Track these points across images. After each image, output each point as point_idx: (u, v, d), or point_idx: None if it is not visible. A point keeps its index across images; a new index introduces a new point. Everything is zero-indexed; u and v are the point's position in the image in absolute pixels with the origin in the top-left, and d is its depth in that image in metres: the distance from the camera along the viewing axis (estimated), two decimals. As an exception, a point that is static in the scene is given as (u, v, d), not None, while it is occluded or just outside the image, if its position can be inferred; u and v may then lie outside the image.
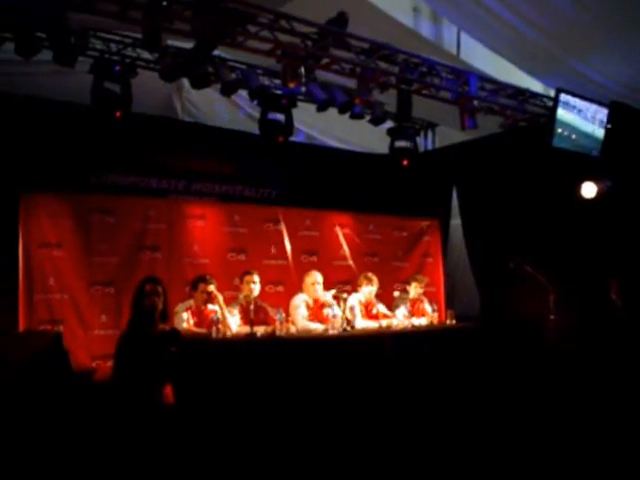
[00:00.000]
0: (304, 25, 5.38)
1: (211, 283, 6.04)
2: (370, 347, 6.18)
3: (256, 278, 6.39)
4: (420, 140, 8.67)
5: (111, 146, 6.92)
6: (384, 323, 6.86)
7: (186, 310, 5.98)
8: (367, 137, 8.40)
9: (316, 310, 6.68)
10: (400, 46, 5.97)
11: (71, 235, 6.41)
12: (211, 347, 5.48)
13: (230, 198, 7.86)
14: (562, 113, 6.81)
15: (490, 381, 6.45)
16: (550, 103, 6.95)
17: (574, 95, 6.82)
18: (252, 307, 6.01)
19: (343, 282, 7.92)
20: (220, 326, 5.58)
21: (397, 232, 8.91)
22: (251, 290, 6.32)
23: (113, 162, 7.02)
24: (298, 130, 7.73)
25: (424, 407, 5.89)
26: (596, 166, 7.38)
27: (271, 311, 6.40)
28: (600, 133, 7.15)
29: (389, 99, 6.57)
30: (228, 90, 6.17)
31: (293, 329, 6.28)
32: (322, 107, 6.40)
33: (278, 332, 5.83)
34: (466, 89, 6.39)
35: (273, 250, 7.73)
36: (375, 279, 7.14)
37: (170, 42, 5.87)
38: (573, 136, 6.99)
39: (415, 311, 7.34)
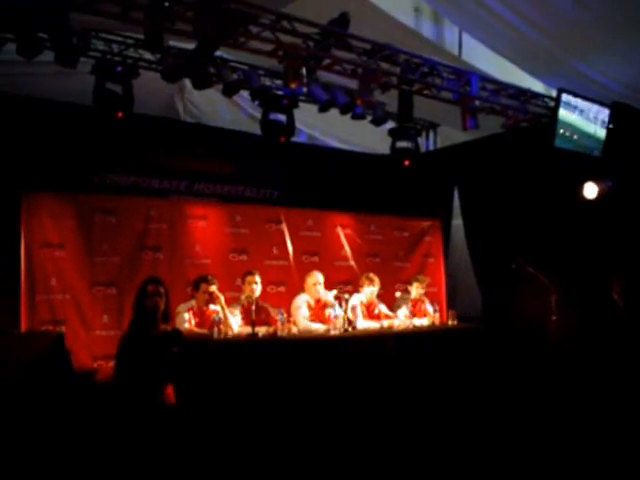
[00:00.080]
0: (306, 26, 5.39)
1: (213, 283, 6.05)
2: (372, 347, 6.19)
3: (258, 278, 6.39)
4: (421, 140, 8.68)
5: (113, 147, 6.93)
6: (385, 323, 6.86)
7: (188, 310, 5.99)
8: (368, 137, 8.40)
9: (318, 310, 6.68)
10: (402, 46, 5.97)
11: (73, 235, 6.42)
12: (213, 347, 5.49)
13: (232, 198, 7.87)
14: (564, 113, 6.80)
15: (492, 381, 6.45)
16: (552, 103, 6.95)
17: (576, 95, 6.81)
18: (254, 307, 6.01)
19: (344, 282, 7.92)
20: (222, 326, 5.58)
21: (398, 232, 8.92)
22: (253, 290, 6.33)
23: (115, 162, 7.02)
24: (300, 131, 7.74)
25: (426, 407, 5.89)
26: (598, 166, 7.37)
27: (273, 311, 6.41)
28: (602, 133, 7.15)
29: (390, 99, 6.57)
30: (230, 91, 6.17)
31: (295, 329, 6.27)
32: (324, 108, 6.40)
33: (280, 332, 5.83)
34: (467, 89, 6.39)
35: (275, 250, 7.74)
36: (377, 279, 7.14)
37: (172, 43, 5.88)
38: (575, 136, 6.99)
39: (417, 311, 7.33)
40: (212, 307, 6.07)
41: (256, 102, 6.80)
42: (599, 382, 6.15)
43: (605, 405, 5.81)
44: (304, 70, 5.72)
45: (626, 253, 7.12)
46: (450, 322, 7.23)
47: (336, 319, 6.21)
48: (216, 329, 5.50)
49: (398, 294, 7.60)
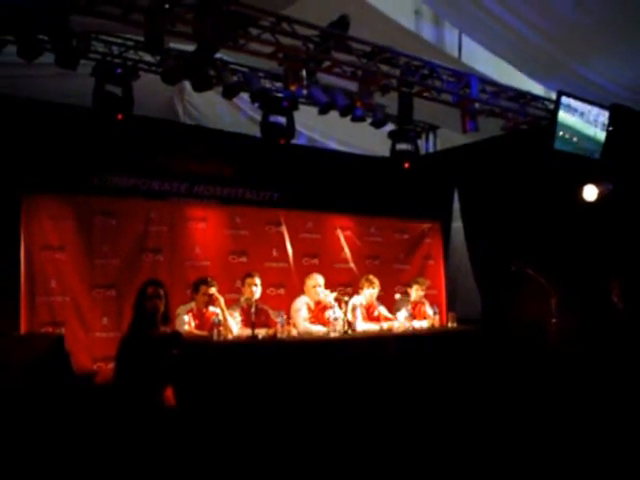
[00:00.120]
0: (306, 28, 5.39)
1: (212, 285, 6.05)
2: (371, 350, 6.19)
3: (257, 280, 6.39)
4: (421, 143, 8.67)
5: (113, 149, 6.92)
6: (385, 326, 6.86)
7: (187, 312, 5.98)
8: (368, 140, 8.40)
9: (317, 313, 6.68)
10: (401, 49, 5.98)
11: (73, 237, 6.43)
12: (212, 349, 5.49)
13: (231, 200, 7.85)
14: (563, 116, 6.80)
15: (491, 384, 6.45)
16: (551, 106, 6.95)
17: (575, 98, 6.81)
18: (253, 309, 6.02)
19: (344, 285, 7.92)
20: (221, 328, 5.59)
21: (398, 235, 8.92)
22: (252, 292, 6.32)
23: (115, 164, 7.02)
24: (299, 133, 7.74)
25: (426, 410, 5.89)
26: (597, 169, 7.38)
27: (272, 314, 6.41)
28: (602, 136, 7.14)
29: (390, 102, 6.58)
30: (230, 93, 6.17)
31: (294, 332, 6.28)
32: (323, 110, 6.40)
33: (279, 335, 5.84)
34: (467, 92, 6.39)
35: (274, 252, 7.75)
36: (376, 282, 7.14)
37: (172, 45, 5.87)
38: (574, 139, 6.99)
39: (416, 314, 7.34)
40: (212, 309, 6.06)
41: (256, 104, 6.80)
42: (599, 385, 6.15)
43: (605, 407, 5.80)
44: (304, 72, 5.72)
45: (626, 255, 7.11)
46: (450, 324, 7.24)
47: (336, 321, 6.22)
48: (216, 331, 5.50)
49: (398, 296, 7.60)
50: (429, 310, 7.43)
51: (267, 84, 6.81)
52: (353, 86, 6.19)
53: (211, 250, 7.27)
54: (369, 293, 7.10)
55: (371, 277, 7.19)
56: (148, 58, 6.15)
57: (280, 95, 6.70)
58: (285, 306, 6.70)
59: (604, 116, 7.09)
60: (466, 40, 6.74)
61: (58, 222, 6.35)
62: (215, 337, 5.49)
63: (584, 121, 6.98)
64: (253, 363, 5.43)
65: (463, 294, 9.36)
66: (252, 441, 4.93)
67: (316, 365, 5.74)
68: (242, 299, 6.41)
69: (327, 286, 6.81)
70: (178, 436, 4.56)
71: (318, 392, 5.61)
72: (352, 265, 8.38)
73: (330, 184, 8.40)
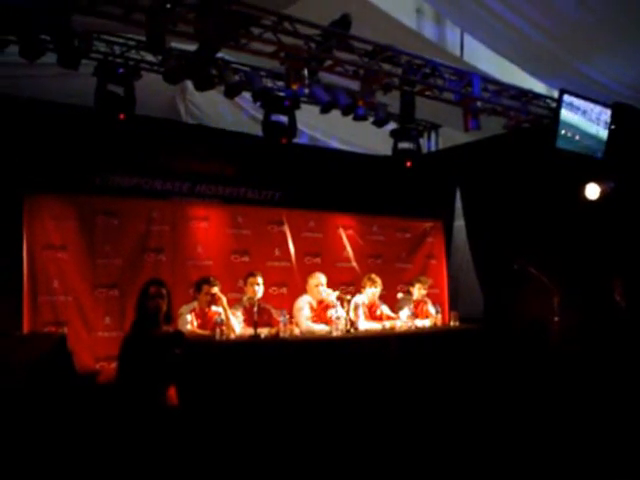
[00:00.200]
0: (307, 27, 5.39)
1: (215, 285, 6.05)
2: (374, 349, 6.19)
3: (260, 280, 6.39)
4: (423, 141, 8.67)
5: (115, 148, 6.92)
6: (388, 325, 6.86)
7: (190, 312, 5.99)
8: (370, 139, 8.39)
9: (320, 312, 6.68)
10: (403, 47, 5.97)
11: (75, 237, 6.44)
12: (215, 349, 5.50)
13: (233, 200, 7.85)
14: (566, 114, 6.79)
15: (494, 382, 6.45)
16: (553, 104, 6.94)
17: (578, 96, 6.80)
18: (256, 309, 6.01)
19: (347, 283, 7.92)
20: (224, 328, 5.59)
21: (400, 233, 8.92)
22: (255, 292, 6.33)
23: (117, 164, 7.02)
24: (301, 132, 7.74)
25: (428, 408, 5.89)
26: (599, 167, 7.37)
27: (275, 313, 6.41)
28: (604, 134, 7.13)
29: (392, 101, 6.57)
30: (231, 92, 6.17)
31: (297, 331, 6.28)
32: (325, 109, 6.39)
33: (282, 334, 5.84)
34: (469, 90, 6.39)
35: (277, 252, 7.75)
36: (379, 281, 7.14)
37: (174, 44, 5.87)
38: (577, 137, 6.98)
39: (419, 312, 7.34)
40: (214, 308, 6.07)
41: (258, 103, 6.80)
42: (601, 383, 6.15)
43: (607, 406, 5.80)
44: (306, 71, 5.71)
45: (628, 254, 7.11)
46: (452, 323, 7.23)
47: (338, 320, 6.21)
48: (218, 330, 5.51)
49: (400, 295, 7.61)
50: (431, 309, 7.43)
51: (269, 83, 6.82)
52: (355, 85, 6.19)
53: (213, 249, 7.27)
54: (371, 292, 7.10)
55: (373, 276, 7.19)
56: (150, 58, 6.16)
57: (282, 94, 6.71)
58: (287, 305, 6.69)
59: (606, 114, 7.07)
60: (468, 38, 6.73)
61: (60, 222, 6.36)
62: (217, 336, 5.50)
63: (587, 119, 6.98)
64: (255, 362, 5.43)
65: (465, 293, 9.36)
66: (255, 440, 4.93)
67: (319, 364, 5.74)
68: (244, 298, 6.42)
69: (329, 285, 6.82)
70: (181, 436, 4.56)
71: (321, 391, 5.61)
72: (354, 264, 8.39)
73: (332, 183, 8.40)
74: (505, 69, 6.89)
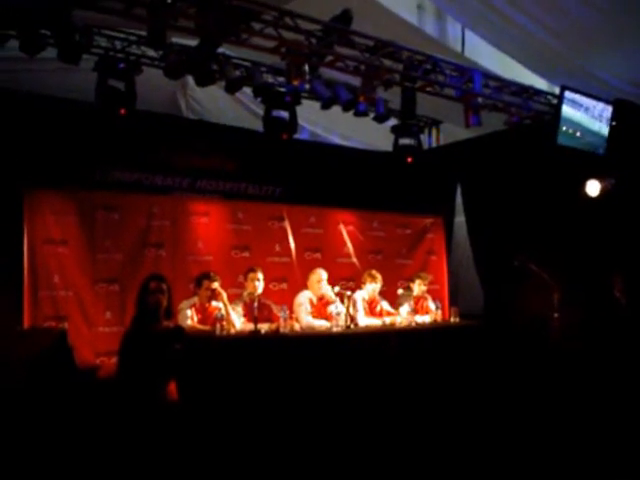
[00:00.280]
0: (308, 22, 5.37)
1: (215, 280, 6.06)
2: (374, 344, 6.20)
3: (260, 275, 6.40)
4: (424, 137, 8.65)
5: (115, 143, 6.91)
6: (388, 321, 6.87)
7: (190, 307, 5.99)
8: (371, 134, 8.39)
9: (320, 307, 6.69)
10: (404, 43, 5.96)
11: (75, 232, 6.44)
12: (215, 344, 5.50)
13: (234, 195, 7.85)
14: (568, 111, 6.78)
15: (494, 379, 6.45)
16: (554, 100, 6.94)
17: (579, 92, 6.79)
18: (256, 304, 6.01)
19: (347, 279, 7.94)
20: (224, 323, 5.60)
21: (401, 229, 8.93)
22: (255, 287, 6.33)
23: (117, 159, 7.01)
24: (302, 127, 7.73)
25: (428, 404, 5.89)
26: (600, 164, 7.36)
27: (275, 308, 6.42)
28: (606, 131, 7.12)
29: (393, 96, 6.56)
30: (232, 87, 6.17)
31: (297, 326, 6.30)
32: (326, 104, 6.39)
33: (282, 329, 5.85)
34: (470, 86, 6.38)
35: (277, 247, 7.76)
36: (379, 276, 7.14)
37: (175, 39, 5.86)
38: (578, 134, 6.97)
39: (419, 309, 7.34)
40: (214, 304, 6.07)
41: (259, 99, 6.80)
42: (601, 380, 6.15)
43: (607, 403, 5.80)
44: (307, 67, 5.70)
45: (628, 250, 7.11)
46: (452, 319, 7.24)
47: (338, 316, 6.22)
48: (218, 326, 5.51)
49: (400, 291, 7.62)
50: (431, 305, 7.43)
51: (270, 79, 6.80)
52: (356, 81, 6.18)
53: (214, 245, 7.28)
54: (371, 288, 7.11)
55: (373, 272, 7.20)
56: (151, 53, 6.15)
57: (283, 90, 6.70)
58: (288, 301, 6.69)
59: (609, 111, 7.06)
60: (469, 34, 6.73)
61: (61, 217, 6.36)
62: (218, 332, 5.50)
63: (589, 116, 6.97)
64: (256, 358, 5.43)
65: (465, 289, 9.37)
66: (255, 436, 4.94)
67: (319, 360, 5.75)
68: (245, 294, 6.42)
69: (329, 281, 6.82)
70: (181, 431, 4.57)
71: (321, 387, 5.61)
72: (355, 260, 8.40)
73: (333, 179, 8.39)
74: (506, 65, 6.88)
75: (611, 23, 5.87)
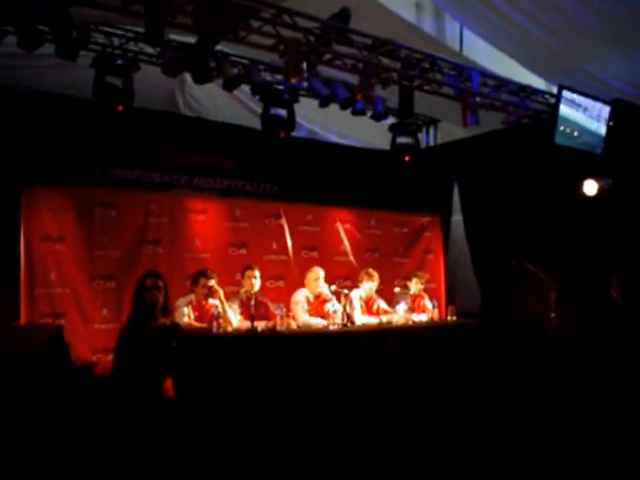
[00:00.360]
0: (307, 20, 5.37)
1: (212, 278, 6.06)
2: (371, 343, 6.20)
3: (257, 273, 6.40)
4: (422, 136, 8.64)
5: (113, 140, 6.90)
6: (384, 319, 6.88)
7: (187, 305, 5.99)
8: (369, 133, 8.38)
9: (317, 305, 6.69)
10: (402, 42, 5.96)
11: (73, 229, 6.44)
12: (212, 342, 5.50)
13: (231, 193, 7.84)
14: (566, 110, 6.79)
15: (490, 378, 6.46)
16: (552, 100, 6.94)
17: (577, 92, 6.80)
18: (253, 302, 6.02)
19: (344, 277, 7.95)
20: (221, 321, 5.60)
21: (398, 228, 8.94)
22: (252, 285, 6.33)
23: (115, 156, 7.00)
24: (300, 125, 7.72)
25: (425, 403, 5.90)
26: (597, 163, 7.37)
27: (272, 306, 6.42)
28: (604, 131, 7.13)
29: (391, 95, 6.56)
30: (230, 85, 6.15)
31: (294, 324, 6.30)
32: (324, 103, 6.38)
33: (279, 327, 5.85)
34: (468, 85, 6.38)
35: (274, 245, 7.77)
36: (376, 275, 7.15)
37: (172, 36, 5.86)
38: (575, 133, 6.98)
39: (416, 307, 7.35)
40: (211, 301, 6.07)
41: (256, 97, 6.79)
42: (598, 379, 6.16)
43: (604, 402, 5.81)
44: (305, 65, 5.69)
45: (625, 250, 7.12)
46: (449, 318, 7.25)
47: (335, 314, 6.22)
48: (215, 323, 5.51)
49: (397, 290, 7.61)
50: (428, 304, 7.45)
51: (268, 76, 6.79)
52: (354, 79, 6.17)
53: (211, 242, 7.28)
54: (368, 286, 7.11)
55: (370, 270, 7.20)
56: (149, 50, 6.13)
57: (281, 87, 6.68)
58: (285, 299, 6.70)
59: (606, 111, 7.07)
60: (467, 33, 6.73)
61: (58, 213, 6.36)
62: (214, 329, 5.50)
63: (587, 116, 6.98)
64: (252, 355, 5.43)
65: (463, 288, 9.37)
66: (251, 433, 4.94)
67: (315, 358, 5.74)
68: (241, 291, 6.42)
69: (326, 279, 6.82)
70: (177, 428, 4.57)
71: (317, 385, 5.62)
72: (352, 258, 8.40)
73: (330, 177, 8.39)
74: (504, 64, 6.88)
75: (608, 23, 5.88)
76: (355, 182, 8.59)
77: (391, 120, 7.41)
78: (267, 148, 7.81)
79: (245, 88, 6.80)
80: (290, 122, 6.79)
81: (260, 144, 7.76)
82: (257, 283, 6.38)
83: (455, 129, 8.30)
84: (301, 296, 6.69)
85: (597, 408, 5.73)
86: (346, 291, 6.69)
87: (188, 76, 6.66)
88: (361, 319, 6.82)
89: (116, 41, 6.04)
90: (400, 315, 6.82)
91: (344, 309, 6.49)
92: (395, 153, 7.67)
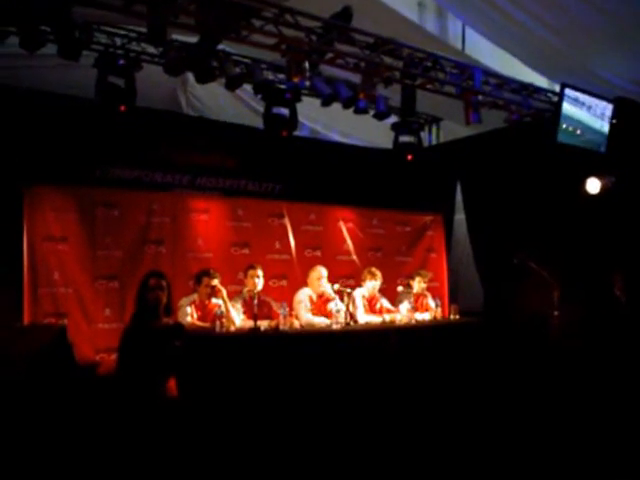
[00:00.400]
0: (309, 19, 5.36)
1: (215, 277, 6.06)
2: (374, 342, 6.20)
3: (260, 272, 6.40)
4: (424, 135, 8.65)
5: (115, 140, 6.90)
6: (387, 318, 6.87)
7: (190, 304, 6.00)
8: (371, 132, 8.39)
9: (320, 305, 6.69)
10: (405, 40, 5.95)
11: (75, 229, 6.45)
12: (215, 341, 5.51)
13: (234, 192, 7.84)
14: (569, 108, 6.77)
15: (493, 376, 6.45)
16: (555, 98, 6.93)
17: (580, 90, 6.78)
18: (256, 301, 6.02)
19: (347, 277, 7.93)
20: (224, 320, 5.60)
21: (401, 227, 8.93)
22: (255, 284, 6.33)
23: (117, 156, 7.00)
24: (302, 124, 7.72)
25: (428, 401, 5.90)
26: (600, 162, 7.36)
27: (275, 305, 6.42)
28: (607, 129, 7.12)
29: (393, 94, 6.56)
30: (232, 84, 6.15)
31: (297, 323, 6.30)
32: (326, 102, 6.38)
33: (282, 326, 5.85)
34: (470, 84, 6.37)
35: (277, 244, 7.76)
36: (379, 274, 7.14)
37: (175, 36, 5.86)
38: (578, 131, 6.96)
39: (419, 306, 7.35)
40: (214, 301, 6.08)
41: (259, 96, 6.79)
42: (601, 378, 6.15)
43: (607, 401, 5.81)
44: (307, 64, 5.70)
45: (628, 248, 7.11)
46: (452, 317, 7.24)
47: (338, 313, 6.22)
48: (218, 323, 5.52)
49: (400, 289, 7.61)
50: (431, 302, 7.44)
51: (270, 76, 6.80)
52: (356, 78, 6.17)
53: (213, 242, 7.28)
54: (371, 285, 7.11)
55: (373, 269, 7.20)
56: (151, 49, 6.14)
57: (283, 87, 6.69)
58: (287, 298, 6.69)
59: (609, 109, 7.06)
60: (469, 32, 6.72)
61: (60, 213, 6.37)
62: (217, 329, 5.51)
63: (590, 114, 6.96)
64: (255, 355, 5.44)
65: (465, 286, 9.37)
66: (254, 432, 4.94)
67: (318, 357, 5.75)
68: (244, 291, 6.42)
69: (329, 278, 6.82)
70: (180, 427, 4.57)
71: (320, 384, 5.62)
72: (354, 257, 8.40)
73: (333, 176, 8.38)
74: (506, 62, 6.87)
75: (611, 22, 5.86)
76: (357, 181, 8.58)
77: (393, 119, 7.41)
78: (269, 147, 7.81)
79: (247, 87, 6.79)
80: (292, 121, 6.79)
81: (262, 143, 7.76)
82: (260, 282, 6.38)
83: (457, 128, 8.30)
84: (304, 295, 6.69)
85: (600, 406, 5.72)
86: (349, 290, 6.69)
87: (190, 76, 6.66)
88: (364, 318, 6.82)
89: (118, 41, 6.05)
90: (403, 314, 6.82)
91: (347, 308, 6.48)
92: (397, 152, 7.67)
